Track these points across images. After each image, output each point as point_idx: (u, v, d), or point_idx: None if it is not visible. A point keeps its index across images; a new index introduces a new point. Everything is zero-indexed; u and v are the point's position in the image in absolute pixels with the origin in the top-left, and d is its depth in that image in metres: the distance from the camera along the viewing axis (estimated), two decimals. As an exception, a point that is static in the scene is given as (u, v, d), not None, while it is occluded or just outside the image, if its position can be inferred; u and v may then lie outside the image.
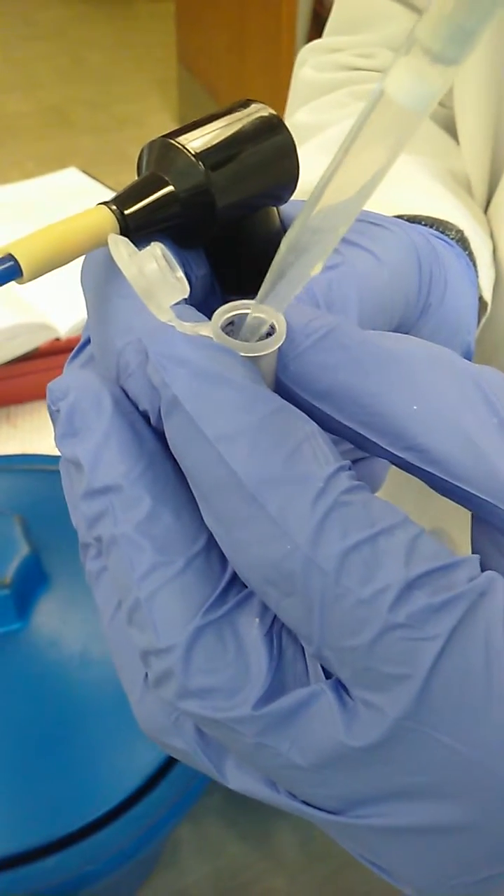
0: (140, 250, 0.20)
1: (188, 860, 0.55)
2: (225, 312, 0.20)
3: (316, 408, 0.20)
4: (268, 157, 0.23)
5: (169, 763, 0.45)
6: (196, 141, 0.22)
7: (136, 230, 0.21)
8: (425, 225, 0.33)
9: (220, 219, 0.23)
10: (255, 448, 0.18)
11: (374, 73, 0.52)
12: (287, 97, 0.57)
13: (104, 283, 0.22)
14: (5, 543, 0.49)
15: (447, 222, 0.34)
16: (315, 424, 0.19)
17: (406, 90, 0.15)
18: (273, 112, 0.24)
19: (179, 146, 0.22)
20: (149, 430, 0.21)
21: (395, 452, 0.20)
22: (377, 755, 0.17)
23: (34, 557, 0.49)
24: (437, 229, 0.33)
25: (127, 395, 0.21)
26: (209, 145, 0.22)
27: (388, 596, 0.17)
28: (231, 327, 0.20)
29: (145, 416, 0.21)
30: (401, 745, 0.17)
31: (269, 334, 0.20)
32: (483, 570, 0.18)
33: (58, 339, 0.79)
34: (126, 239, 0.21)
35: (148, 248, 0.20)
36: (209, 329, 0.20)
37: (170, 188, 0.22)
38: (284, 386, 0.20)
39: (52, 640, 0.48)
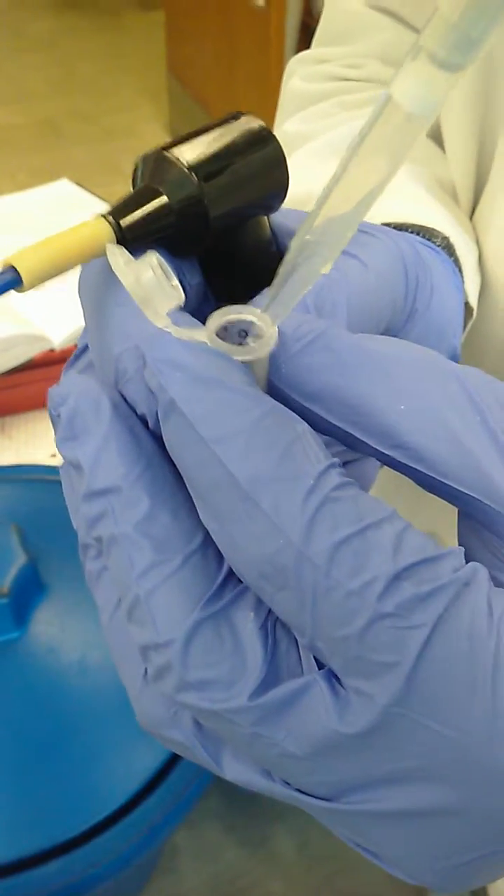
0: (137, 259, 0.21)
1: (187, 865, 0.56)
2: (218, 318, 0.21)
3: (307, 409, 0.21)
4: (258, 167, 0.24)
5: (166, 767, 0.46)
6: (189, 153, 0.23)
7: (133, 241, 0.22)
8: (412, 232, 0.34)
9: (214, 228, 0.23)
10: (249, 448, 0.19)
11: (362, 83, 0.53)
12: (276, 107, 0.58)
13: (101, 291, 0.23)
14: (3, 552, 0.50)
15: (433, 229, 0.35)
16: (306, 425, 0.20)
17: (412, 95, 0.16)
18: (263, 124, 0.25)
19: (173, 158, 0.23)
20: (146, 433, 0.21)
21: (384, 451, 0.20)
22: (368, 742, 0.18)
23: (31, 566, 0.50)
24: (423, 236, 0.34)
25: (125, 400, 0.22)
26: (202, 157, 0.23)
27: (376, 587, 0.17)
28: (224, 332, 0.21)
29: (143, 420, 0.21)
30: (390, 731, 0.17)
31: (261, 339, 0.20)
32: (467, 562, 0.19)
33: (52, 350, 0.79)
34: (123, 248, 0.21)
35: (144, 256, 0.21)
36: (204, 334, 0.20)
37: (164, 199, 0.22)
38: (276, 388, 0.21)
39: (49, 648, 0.48)
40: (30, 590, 0.49)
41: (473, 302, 0.37)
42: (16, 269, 0.20)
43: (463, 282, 0.35)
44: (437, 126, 0.47)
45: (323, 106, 0.52)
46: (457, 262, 0.35)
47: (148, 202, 0.22)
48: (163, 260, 0.21)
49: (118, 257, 0.21)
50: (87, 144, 3.13)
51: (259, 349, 0.20)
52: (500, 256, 0.41)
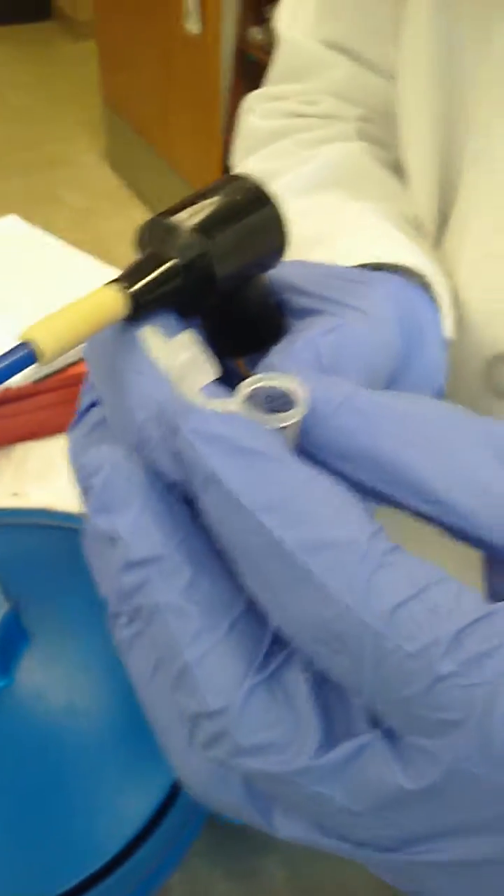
0: (171, 340, 0.21)
1: (180, 906, 0.55)
2: (248, 386, 0.21)
3: (338, 468, 0.21)
4: (260, 227, 0.25)
5: (161, 811, 0.45)
6: (193, 217, 0.23)
7: (144, 306, 0.22)
8: (392, 272, 0.35)
9: (220, 288, 0.24)
10: (295, 516, 0.19)
11: (318, 119, 0.53)
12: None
13: (116, 358, 0.23)
14: (-15, 602, 0.49)
15: (411, 269, 0.36)
16: (345, 489, 0.20)
17: None
18: (261, 184, 0.25)
19: (177, 223, 0.23)
20: (177, 501, 0.22)
21: (418, 507, 0.21)
22: (433, 796, 0.18)
23: (14, 614, 0.49)
24: (402, 276, 0.35)
25: (152, 466, 0.22)
26: (206, 220, 0.23)
27: (439, 648, 0.17)
28: (253, 399, 0.21)
29: (170, 486, 0.22)
30: (455, 785, 0.18)
31: (289, 402, 0.21)
32: None
33: (9, 389, 0.79)
34: (158, 330, 0.22)
35: (179, 337, 0.21)
36: (235, 404, 0.21)
37: (172, 263, 0.23)
38: (308, 450, 0.21)
39: (37, 696, 0.48)
40: (14, 638, 0.49)
41: (450, 335, 0.38)
42: (33, 344, 0.20)
43: (441, 317, 0.36)
44: (399, 161, 0.48)
45: (283, 144, 0.52)
46: (434, 298, 0.36)
47: (156, 267, 0.23)
48: (196, 337, 0.21)
49: (155, 339, 0.21)
50: (25, 174, 3.12)
51: (291, 416, 0.21)
52: (470, 289, 0.41)
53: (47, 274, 0.96)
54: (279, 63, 0.57)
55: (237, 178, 0.25)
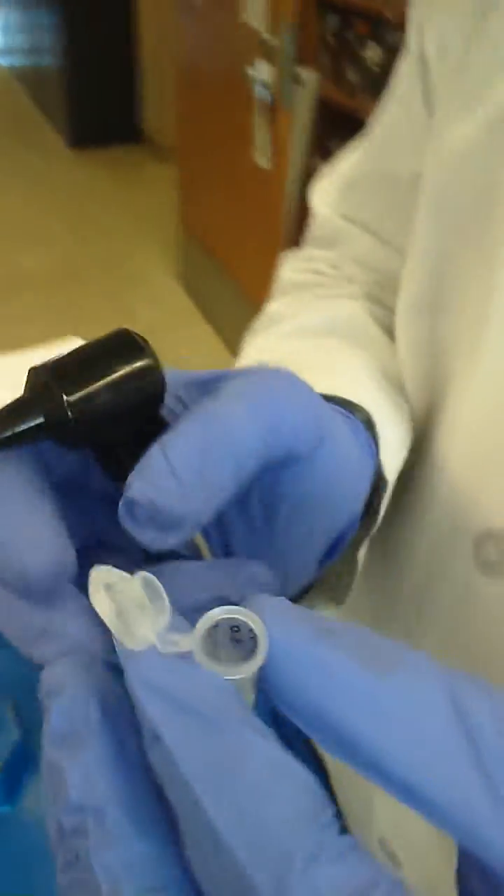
0: (123, 580, 0.21)
1: None
2: (206, 623, 0.21)
3: (297, 720, 0.21)
4: (131, 381, 0.25)
5: None
6: (68, 375, 0.25)
7: (4, 447, 0.24)
8: (334, 403, 0.37)
9: (90, 440, 0.25)
10: (231, 796, 0.18)
11: (338, 279, 0.59)
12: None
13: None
14: (-2, 730, 0.51)
15: (356, 405, 0.38)
16: (294, 761, 0.19)
17: None
18: (138, 338, 0.26)
19: (51, 378, 0.25)
20: (133, 740, 0.21)
21: (372, 778, 0.20)
22: None
23: (24, 741, 0.51)
24: (344, 408, 0.37)
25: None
26: (74, 376, 0.25)
27: None
28: (215, 629, 0.21)
29: (121, 715, 0.21)
30: None
31: (253, 651, 0.20)
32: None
33: None
34: (110, 570, 0.22)
35: (130, 580, 0.21)
36: (190, 642, 0.20)
37: (38, 420, 0.24)
38: (264, 693, 0.21)
39: (39, 822, 0.49)
40: (21, 764, 0.51)
41: (390, 477, 0.40)
42: None
43: (378, 453, 0.38)
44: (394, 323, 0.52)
45: (302, 295, 0.58)
46: (375, 437, 0.38)
47: (21, 419, 0.24)
48: (151, 578, 0.21)
49: (101, 579, 0.21)
50: (103, 291, 3.27)
51: (249, 666, 0.20)
52: (460, 468, 0.44)
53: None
54: (312, 231, 0.65)
55: (119, 332, 0.26)
